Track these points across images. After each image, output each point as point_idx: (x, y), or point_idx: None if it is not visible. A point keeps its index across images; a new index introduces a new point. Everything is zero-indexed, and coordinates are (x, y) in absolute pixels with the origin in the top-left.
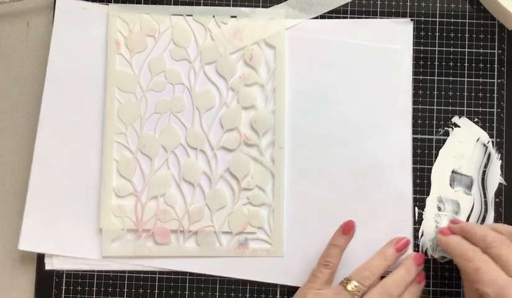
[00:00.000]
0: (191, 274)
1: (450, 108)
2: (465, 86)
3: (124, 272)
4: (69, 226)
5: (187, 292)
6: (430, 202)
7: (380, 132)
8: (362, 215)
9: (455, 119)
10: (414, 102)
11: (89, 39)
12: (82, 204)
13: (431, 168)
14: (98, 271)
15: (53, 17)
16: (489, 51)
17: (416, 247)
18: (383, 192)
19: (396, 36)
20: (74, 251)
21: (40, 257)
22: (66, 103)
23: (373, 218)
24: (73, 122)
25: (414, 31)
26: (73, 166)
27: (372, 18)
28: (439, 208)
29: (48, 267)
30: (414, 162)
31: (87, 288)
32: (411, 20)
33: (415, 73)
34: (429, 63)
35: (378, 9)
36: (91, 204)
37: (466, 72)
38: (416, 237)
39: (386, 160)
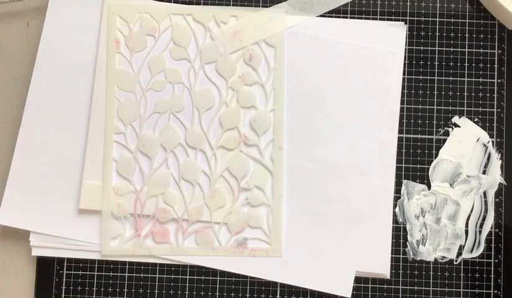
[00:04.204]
0: (191, 273)
1: (450, 108)
2: (465, 86)
3: (124, 272)
4: (49, 206)
5: (187, 292)
6: (427, 202)
7: (370, 133)
8: (356, 214)
9: (455, 119)
10: (414, 102)
11: (81, 23)
12: (63, 185)
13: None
14: (98, 271)
15: None
16: (489, 51)
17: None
18: (370, 193)
19: (389, 39)
20: (53, 230)
21: (40, 258)
22: (55, 86)
23: (362, 218)
24: (60, 104)
25: (414, 31)
26: (56, 147)
27: (372, 18)
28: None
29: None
30: (414, 162)
31: (87, 288)
32: (411, 20)
33: (415, 73)
34: (429, 63)
35: (378, 9)
36: (72, 186)
37: (466, 72)
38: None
39: (375, 161)
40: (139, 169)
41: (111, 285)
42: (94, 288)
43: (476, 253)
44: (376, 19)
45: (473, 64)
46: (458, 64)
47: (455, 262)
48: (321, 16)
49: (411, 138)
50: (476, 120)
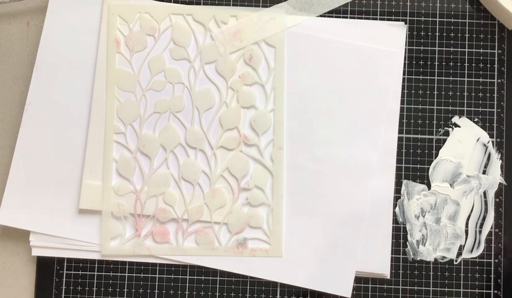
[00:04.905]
0: (191, 273)
1: (450, 108)
2: (465, 86)
3: (124, 272)
4: (49, 206)
5: (187, 292)
6: (425, 202)
7: (370, 133)
8: (356, 214)
9: (455, 119)
10: (414, 102)
11: (81, 23)
12: (63, 185)
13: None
14: (98, 271)
15: None
16: (489, 51)
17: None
18: (370, 193)
19: (389, 39)
20: (53, 230)
21: (40, 258)
22: (55, 86)
23: (362, 218)
24: (60, 105)
25: (414, 31)
26: (56, 147)
27: (372, 18)
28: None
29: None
30: (414, 162)
31: (87, 288)
32: (411, 20)
33: (415, 73)
34: (429, 63)
35: (378, 9)
36: (72, 186)
37: (466, 72)
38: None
39: (375, 161)
40: (139, 169)
41: (111, 285)
42: (94, 288)
43: (476, 253)
44: (376, 19)
45: (473, 64)
46: (458, 64)
47: (455, 262)
48: (321, 16)
49: (411, 138)
50: (476, 120)
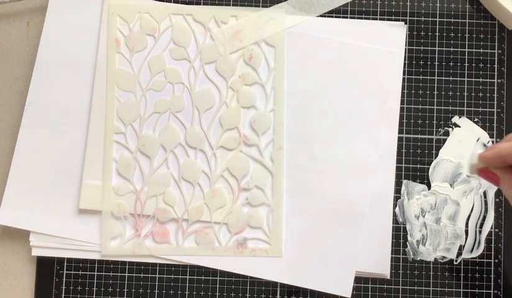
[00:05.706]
0: (191, 273)
1: (450, 108)
2: (465, 86)
3: (124, 272)
4: (49, 206)
5: (187, 292)
6: (426, 202)
7: (370, 133)
8: (356, 214)
9: (455, 119)
10: (414, 102)
11: (81, 23)
12: (63, 186)
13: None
14: (98, 271)
15: None
16: (489, 51)
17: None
18: (370, 193)
19: (389, 39)
20: (53, 230)
21: (40, 258)
22: (55, 86)
23: (362, 218)
24: (60, 105)
25: (414, 31)
26: (56, 147)
27: (372, 18)
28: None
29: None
30: (414, 162)
31: (87, 288)
32: (411, 20)
33: (415, 73)
34: (429, 63)
35: (378, 9)
36: (72, 186)
37: (466, 72)
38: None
39: (375, 161)
40: (139, 169)
41: (111, 285)
42: (94, 288)
43: (476, 253)
44: (376, 19)
45: (473, 64)
46: (458, 64)
47: (455, 262)
48: (321, 16)
49: (411, 138)
50: (476, 120)
